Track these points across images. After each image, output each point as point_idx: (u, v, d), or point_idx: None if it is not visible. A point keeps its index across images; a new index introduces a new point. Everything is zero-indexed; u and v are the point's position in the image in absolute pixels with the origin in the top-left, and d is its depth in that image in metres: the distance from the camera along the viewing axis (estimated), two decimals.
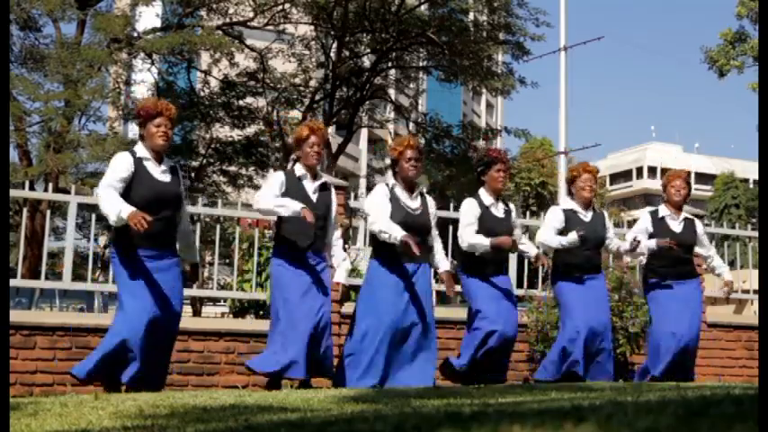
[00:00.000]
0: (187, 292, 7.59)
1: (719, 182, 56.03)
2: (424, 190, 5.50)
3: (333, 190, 5.29)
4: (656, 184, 72.63)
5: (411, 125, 22.75)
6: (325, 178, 5.28)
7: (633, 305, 6.69)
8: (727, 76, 21.35)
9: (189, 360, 5.87)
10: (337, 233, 5.28)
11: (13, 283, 5.99)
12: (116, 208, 4.36)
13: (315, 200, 5.08)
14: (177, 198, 4.77)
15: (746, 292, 9.13)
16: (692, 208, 8.05)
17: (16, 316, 5.63)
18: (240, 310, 7.52)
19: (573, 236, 5.68)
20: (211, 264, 13.21)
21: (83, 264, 10.92)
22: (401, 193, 5.23)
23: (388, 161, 27.74)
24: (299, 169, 5.14)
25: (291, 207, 4.84)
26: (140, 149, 4.69)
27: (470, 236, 5.46)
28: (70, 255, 6.13)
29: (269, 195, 4.96)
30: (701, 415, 1.57)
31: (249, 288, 6.83)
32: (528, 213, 8.47)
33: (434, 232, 5.41)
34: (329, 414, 2.68)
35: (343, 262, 5.23)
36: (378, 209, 5.10)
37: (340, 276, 5.20)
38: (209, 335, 5.97)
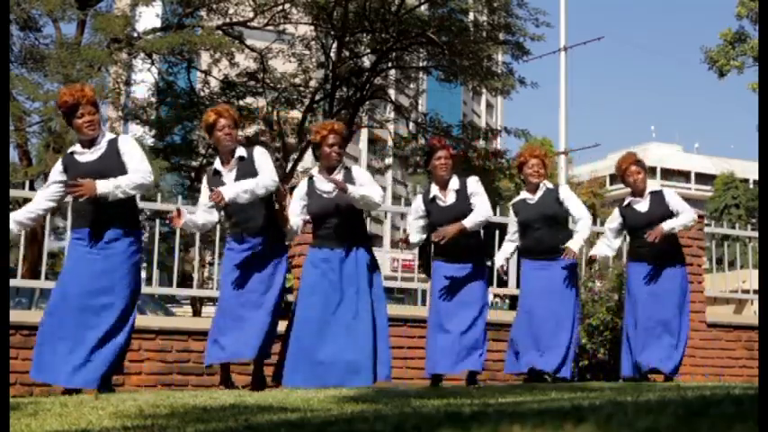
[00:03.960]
0: (187, 291, 7.64)
1: (719, 182, 56.04)
2: (350, 166, 5.27)
3: (255, 154, 4.96)
4: (655, 185, 72.35)
5: (411, 125, 22.75)
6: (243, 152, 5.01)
7: None
8: (727, 77, 21.34)
9: (189, 360, 5.86)
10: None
11: (13, 283, 5.98)
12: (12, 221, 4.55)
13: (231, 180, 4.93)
14: (102, 172, 4.49)
15: (746, 292, 9.14)
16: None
17: (16, 316, 5.62)
18: None
19: (500, 257, 5.89)
20: (211, 264, 13.23)
21: None
22: (319, 180, 5.12)
23: (388, 161, 27.42)
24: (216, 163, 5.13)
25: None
26: (75, 145, 4.70)
27: (413, 236, 5.49)
28: None
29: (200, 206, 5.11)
30: (700, 415, 1.56)
31: None
32: None
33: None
34: (329, 414, 2.68)
35: None
36: (291, 207, 5.10)
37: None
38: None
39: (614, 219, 6.19)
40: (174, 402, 3.25)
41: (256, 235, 4.93)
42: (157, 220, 9.98)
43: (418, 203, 5.56)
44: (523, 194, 5.90)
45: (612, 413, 1.67)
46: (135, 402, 3.23)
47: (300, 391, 4.16)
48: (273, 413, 2.76)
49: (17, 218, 4.62)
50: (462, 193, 5.44)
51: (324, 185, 5.07)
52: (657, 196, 6.08)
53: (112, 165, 4.55)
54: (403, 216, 7.71)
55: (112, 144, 4.63)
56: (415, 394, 3.53)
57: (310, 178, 5.20)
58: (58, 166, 4.68)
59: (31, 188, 13.49)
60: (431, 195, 5.48)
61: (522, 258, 5.86)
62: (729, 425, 1.42)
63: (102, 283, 4.49)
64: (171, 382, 5.69)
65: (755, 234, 8.34)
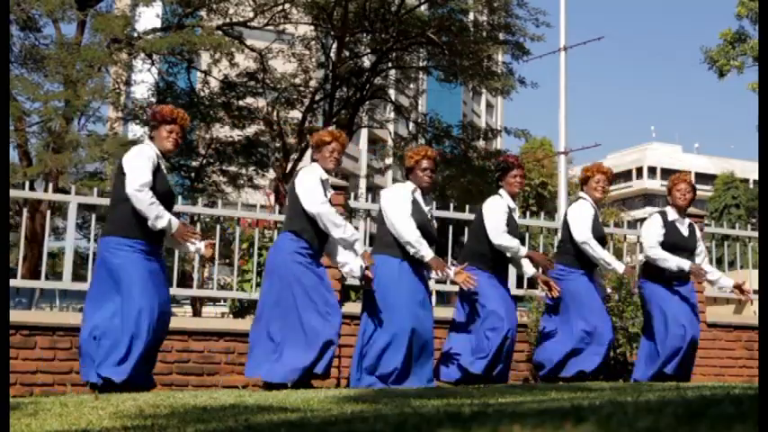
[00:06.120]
0: (187, 292, 7.62)
1: (719, 182, 56.09)
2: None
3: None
4: (655, 185, 72.66)
5: (411, 125, 22.76)
6: None
7: (633, 305, 6.68)
8: (727, 76, 21.33)
9: (189, 360, 5.87)
10: None
11: (13, 283, 5.99)
12: (165, 218, 4.44)
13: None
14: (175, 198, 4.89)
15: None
16: (692, 208, 8.01)
17: (16, 316, 5.63)
18: (240, 310, 7.52)
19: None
20: (211, 264, 13.22)
21: (83, 264, 10.92)
22: (419, 197, 5.29)
23: (388, 161, 27.36)
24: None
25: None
26: (154, 147, 4.69)
27: (508, 238, 5.48)
28: (70, 255, 6.13)
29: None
30: (701, 415, 1.57)
31: (249, 288, 6.83)
32: (528, 213, 8.46)
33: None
34: (329, 414, 2.68)
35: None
36: (400, 211, 5.12)
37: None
38: (209, 335, 5.96)
39: (660, 229, 6.01)
40: (174, 402, 3.25)
41: None
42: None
43: (505, 209, 5.60)
44: (589, 200, 5.95)
45: (612, 413, 1.67)
46: (135, 402, 3.23)
47: (300, 390, 4.16)
48: (273, 413, 2.76)
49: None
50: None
51: (424, 205, 5.28)
52: (693, 228, 6.17)
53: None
54: None
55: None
56: (415, 394, 3.53)
57: (413, 191, 5.26)
58: (154, 154, 4.58)
59: (31, 188, 13.53)
60: (510, 206, 5.67)
61: (580, 268, 5.82)
62: (729, 425, 1.42)
63: (166, 294, 4.68)
64: (171, 382, 5.69)
65: (755, 234, 8.34)
